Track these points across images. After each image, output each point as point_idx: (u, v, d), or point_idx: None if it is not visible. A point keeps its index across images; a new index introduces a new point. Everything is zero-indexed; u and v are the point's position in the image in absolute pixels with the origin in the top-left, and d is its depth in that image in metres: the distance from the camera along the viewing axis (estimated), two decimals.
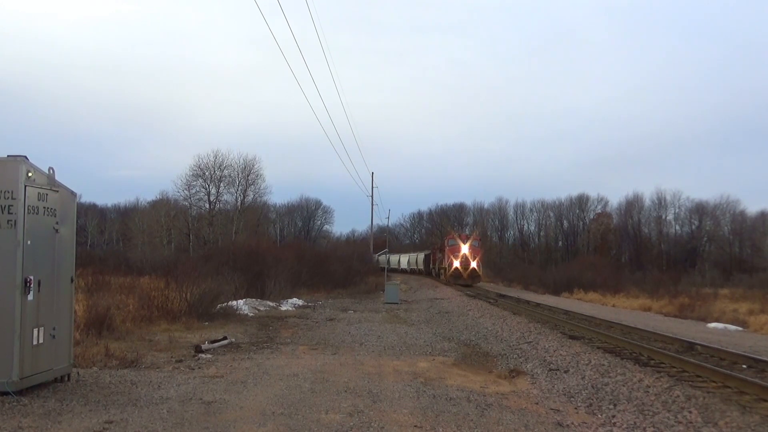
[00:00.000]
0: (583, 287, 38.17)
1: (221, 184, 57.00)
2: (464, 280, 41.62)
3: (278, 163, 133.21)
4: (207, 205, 57.16)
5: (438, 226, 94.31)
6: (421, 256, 61.90)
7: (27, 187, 7.09)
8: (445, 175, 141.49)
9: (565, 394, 8.52)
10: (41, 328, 7.30)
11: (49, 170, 7.64)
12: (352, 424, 6.46)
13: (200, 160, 56.50)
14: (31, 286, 7.08)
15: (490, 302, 25.89)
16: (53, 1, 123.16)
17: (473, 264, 42.27)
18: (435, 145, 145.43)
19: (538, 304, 26.82)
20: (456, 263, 42.19)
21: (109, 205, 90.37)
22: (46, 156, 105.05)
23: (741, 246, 74.26)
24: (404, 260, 69.52)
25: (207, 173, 56.34)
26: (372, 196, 55.35)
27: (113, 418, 6.40)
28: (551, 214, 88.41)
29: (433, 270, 55.93)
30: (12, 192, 7.00)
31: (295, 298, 25.26)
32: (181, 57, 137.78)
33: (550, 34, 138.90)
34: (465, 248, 42.45)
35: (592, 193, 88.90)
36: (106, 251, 60.56)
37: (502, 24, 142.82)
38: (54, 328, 7.55)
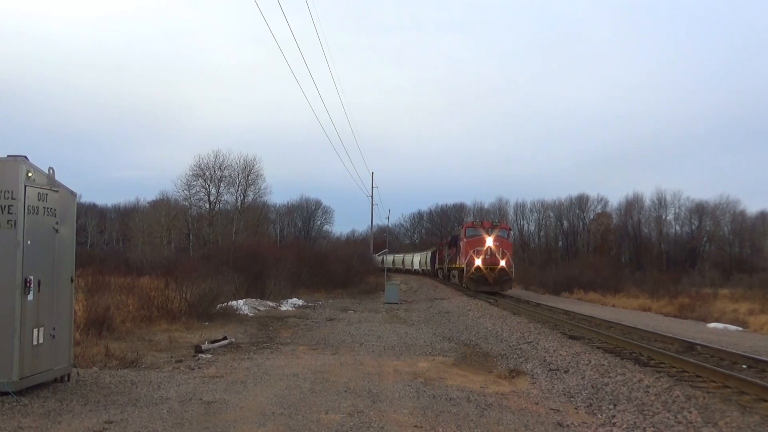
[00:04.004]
0: (583, 287, 38.16)
1: (221, 184, 56.97)
2: (489, 286, 30.92)
3: (278, 163, 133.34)
4: (207, 205, 57.14)
5: (438, 226, 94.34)
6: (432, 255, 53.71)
7: (27, 187, 7.09)
8: (445, 175, 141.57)
9: (565, 394, 8.52)
10: (41, 328, 7.30)
11: (49, 170, 7.64)
12: (352, 424, 6.46)
13: (200, 160, 56.50)
14: (31, 286, 7.08)
15: (490, 302, 25.88)
16: (52, 0, 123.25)
17: (502, 263, 30.96)
18: (435, 145, 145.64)
19: (538, 304, 26.83)
20: (477, 261, 31.04)
21: (109, 205, 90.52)
22: (46, 156, 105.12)
23: (741, 246, 74.24)
24: (416, 260, 64.11)
25: (207, 173, 56.33)
26: (372, 196, 55.29)
27: (113, 418, 6.40)
28: (551, 214, 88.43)
29: (440, 271, 46.70)
30: (12, 192, 7.00)
31: (295, 298, 25.26)
32: (180, 56, 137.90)
33: (551, 34, 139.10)
34: (490, 241, 31.15)
35: (592, 193, 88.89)
36: (106, 251, 60.52)
37: (502, 23, 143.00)
38: (54, 328, 7.55)
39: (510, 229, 36.75)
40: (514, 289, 39.36)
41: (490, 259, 31.02)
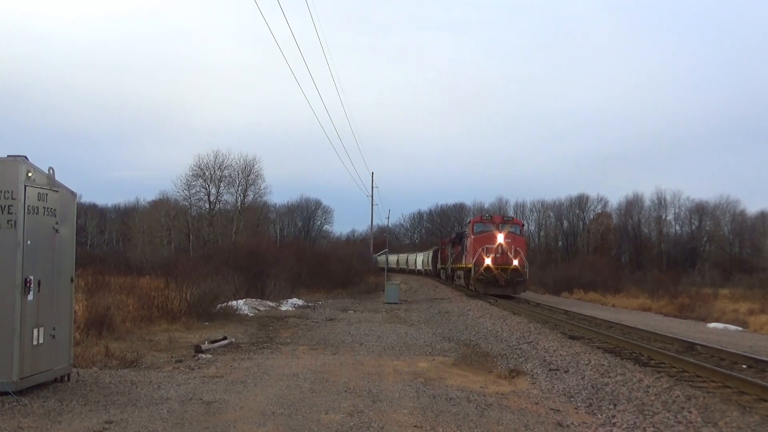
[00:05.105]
0: (583, 287, 38.15)
1: (221, 184, 56.98)
2: (500, 288, 27.83)
3: (278, 163, 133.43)
4: (207, 205, 57.15)
5: (438, 226, 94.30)
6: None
7: (27, 187, 7.09)
8: (445, 175, 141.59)
9: (565, 394, 8.52)
10: (41, 328, 7.30)
11: (49, 170, 7.64)
12: (352, 424, 6.46)
13: (200, 160, 56.50)
14: (31, 286, 7.08)
15: (490, 302, 25.85)
16: (52, 0, 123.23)
17: (515, 262, 27.85)
18: (435, 145, 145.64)
19: (538, 304, 26.80)
20: (487, 260, 27.78)
21: (109, 205, 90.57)
22: (46, 156, 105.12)
23: (741, 246, 74.24)
24: (417, 260, 62.90)
25: (207, 173, 56.31)
26: (372, 196, 55.20)
27: (113, 418, 6.40)
28: (551, 214, 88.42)
29: (443, 271, 44.11)
30: (12, 192, 7.00)
31: (295, 298, 25.25)
32: (180, 56, 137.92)
33: (551, 34, 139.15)
34: (501, 237, 27.95)
35: (592, 193, 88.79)
36: (106, 251, 60.52)
37: (502, 23, 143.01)
38: (54, 328, 7.55)
39: (523, 225, 33.47)
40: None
41: (502, 258, 27.76)
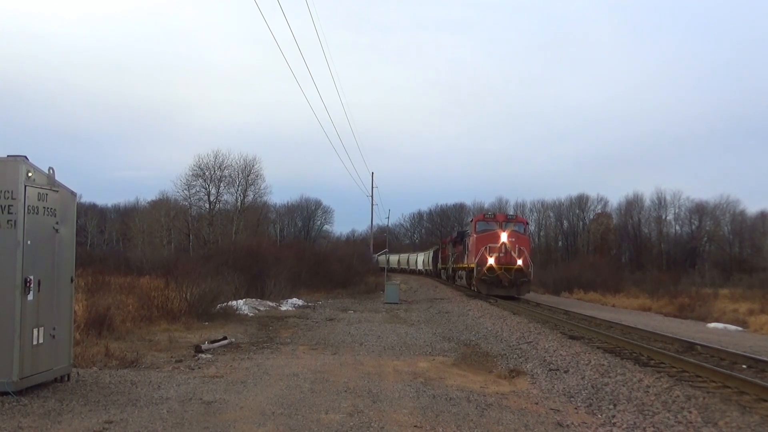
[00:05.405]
0: (583, 287, 38.18)
1: (221, 184, 56.98)
2: (504, 289, 27.10)
3: (278, 163, 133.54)
4: (207, 205, 57.15)
5: (438, 226, 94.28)
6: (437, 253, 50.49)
7: (27, 187, 7.09)
8: (445, 175, 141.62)
9: (565, 394, 8.52)
10: (41, 328, 7.30)
11: (49, 170, 7.64)
12: (352, 424, 6.46)
13: (200, 160, 56.49)
14: (31, 286, 7.08)
15: (490, 302, 25.82)
16: (52, 0, 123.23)
17: (519, 262, 26.99)
18: (434, 145, 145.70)
19: (538, 304, 26.79)
20: (490, 260, 26.92)
21: (109, 205, 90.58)
22: (46, 156, 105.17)
23: (741, 246, 74.24)
24: (418, 259, 62.74)
25: (207, 173, 56.31)
26: (372, 196, 55.15)
27: (113, 418, 6.40)
28: (551, 214, 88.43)
29: (443, 271, 43.71)
30: (12, 192, 7.00)
31: (295, 298, 25.25)
32: (180, 56, 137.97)
33: (551, 33, 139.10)
34: (504, 236, 27.15)
35: (592, 193, 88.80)
36: (106, 251, 60.53)
37: (501, 23, 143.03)
38: (54, 328, 7.55)
39: (527, 223, 32.67)
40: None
41: (505, 258, 26.95)
